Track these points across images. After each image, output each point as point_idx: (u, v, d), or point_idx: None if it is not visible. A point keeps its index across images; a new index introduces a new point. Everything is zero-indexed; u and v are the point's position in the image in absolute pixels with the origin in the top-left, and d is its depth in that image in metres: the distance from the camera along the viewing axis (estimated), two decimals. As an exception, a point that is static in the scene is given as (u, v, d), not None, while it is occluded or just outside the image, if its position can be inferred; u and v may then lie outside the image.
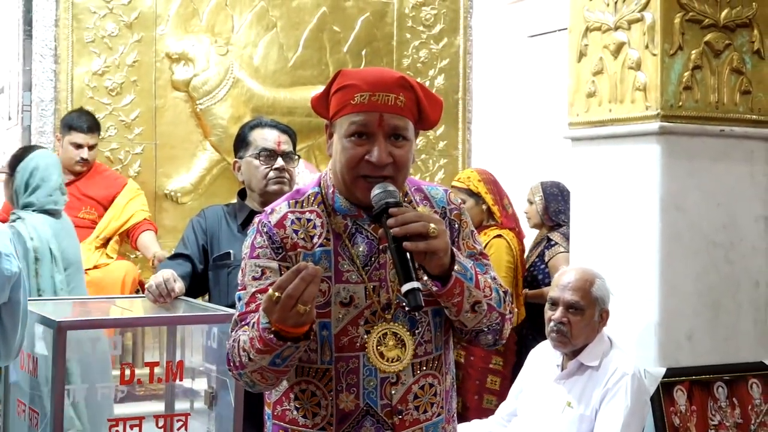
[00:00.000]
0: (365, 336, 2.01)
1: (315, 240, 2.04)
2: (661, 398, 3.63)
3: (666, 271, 3.70)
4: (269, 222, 2.07)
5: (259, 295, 2.01)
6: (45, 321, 2.97)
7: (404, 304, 2.00)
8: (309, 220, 2.06)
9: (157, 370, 3.10)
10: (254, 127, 3.41)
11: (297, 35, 5.89)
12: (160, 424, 3.09)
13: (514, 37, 7.29)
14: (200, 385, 3.24)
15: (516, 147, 7.41)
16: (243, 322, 2.01)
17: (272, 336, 1.87)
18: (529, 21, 7.32)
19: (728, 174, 3.84)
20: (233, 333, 2.03)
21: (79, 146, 4.98)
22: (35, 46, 5.31)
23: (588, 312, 3.38)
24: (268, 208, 2.13)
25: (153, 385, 3.20)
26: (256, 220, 2.11)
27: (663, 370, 3.66)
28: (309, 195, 2.11)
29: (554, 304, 3.42)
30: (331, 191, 2.09)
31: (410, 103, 2.03)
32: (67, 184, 4.96)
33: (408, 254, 1.88)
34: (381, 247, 2.05)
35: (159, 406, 3.28)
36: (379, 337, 2.01)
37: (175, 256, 3.43)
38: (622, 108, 3.82)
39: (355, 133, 2.01)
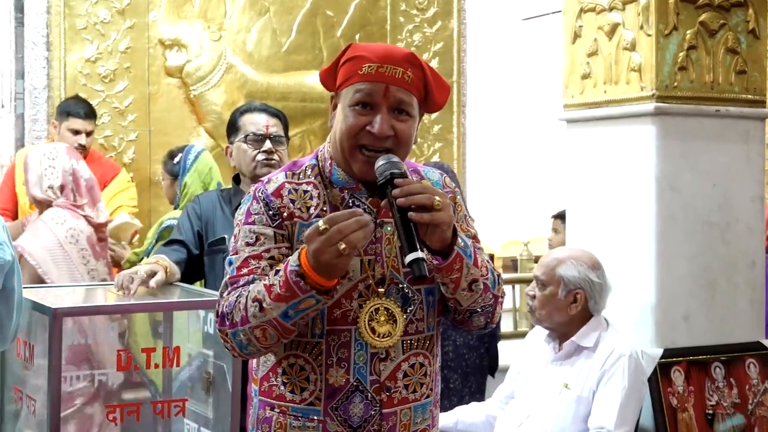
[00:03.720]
0: (358, 310, 2.00)
1: (312, 211, 2.03)
2: (658, 379, 3.63)
3: (662, 252, 3.70)
4: (266, 190, 2.05)
5: (252, 260, 1.99)
6: (40, 308, 2.97)
7: (401, 284, 2.01)
8: (306, 192, 2.05)
9: (153, 355, 3.10)
10: (244, 112, 3.42)
11: (290, 20, 5.87)
12: (158, 410, 3.09)
13: (508, 20, 7.27)
14: (197, 370, 3.24)
15: (511, 130, 7.40)
16: (234, 286, 1.99)
17: (299, 279, 1.84)
18: (523, 3, 7.30)
19: (724, 154, 3.83)
20: (224, 295, 2.00)
21: (77, 132, 4.95)
22: (27, 33, 5.28)
23: (549, 288, 3.39)
24: (264, 178, 2.11)
25: (150, 370, 3.20)
26: (253, 187, 2.10)
27: (660, 351, 3.67)
28: (306, 167, 2.10)
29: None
30: (328, 163, 2.08)
31: (417, 80, 2.03)
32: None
33: (412, 225, 1.87)
34: (378, 221, 2.04)
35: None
36: (371, 312, 2.00)
37: (170, 243, 3.44)
38: (617, 89, 3.81)
39: (360, 102, 2.00)
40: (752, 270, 3.90)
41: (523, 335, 4.15)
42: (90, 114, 5.02)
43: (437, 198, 1.88)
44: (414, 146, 2.18)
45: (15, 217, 4.73)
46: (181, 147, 4.40)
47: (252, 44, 5.77)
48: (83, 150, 5.00)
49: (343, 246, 1.80)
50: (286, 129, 3.44)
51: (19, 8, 5.30)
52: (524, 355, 3.63)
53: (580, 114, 4.01)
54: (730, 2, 3.80)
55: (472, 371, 4.18)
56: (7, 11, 5.39)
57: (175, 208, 4.18)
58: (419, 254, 1.84)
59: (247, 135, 3.33)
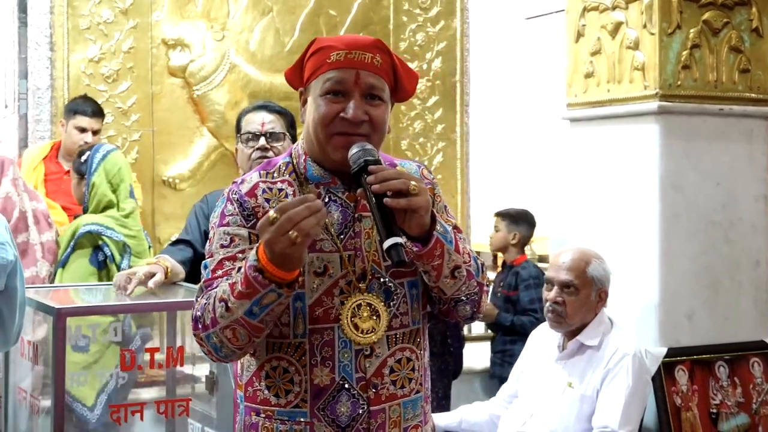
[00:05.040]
0: (340, 307, 1.97)
1: None
2: (662, 378, 3.63)
3: (665, 251, 3.70)
4: (240, 190, 2.02)
5: (227, 262, 1.96)
6: (44, 308, 2.97)
7: (382, 278, 1.98)
8: (281, 190, 2.02)
9: (157, 355, 3.10)
10: (246, 113, 3.41)
11: (293, 20, 5.87)
12: (162, 409, 3.10)
13: (511, 19, 7.28)
14: (201, 370, 3.24)
15: (514, 129, 7.40)
16: (208, 289, 1.96)
17: (258, 274, 1.81)
18: (526, 2, 7.30)
19: (727, 153, 3.83)
20: (198, 299, 1.97)
21: (83, 130, 4.95)
22: (30, 33, 5.28)
23: (583, 292, 3.37)
24: (238, 179, 2.09)
25: (154, 370, 3.20)
26: (227, 189, 2.07)
27: (664, 350, 3.66)
28: (280, 165, 2.07)
29: (549, 283, 3.43)
30: (303, 159, 2.05)
31: (387, 65, 2.01)
32: (68, 171, 4.97)
33: (389, 212, 1.84)
34: (356, 215, 2.01)
35: (160, 392, 3.28)
36: (354, 308, 1.97)
37: (177, 242, 3.44)
38: (620, 88, 3.81)
39: (331, 90, 1.98)
40: (756, 269, 3.90)
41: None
42: (97, 113, 5.01)
43: (413, 183, 1.84)
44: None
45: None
46: (92, 146, 4.32)
47: (255, 44, 5.77)
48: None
49: (294, 234, 1.76)
50: (289, 125, 3.41)
51: (23, 8, 5.30)
52: (528, 353, 3.63)
53: (583, 113, 4.01)
54: (734, 1, 3.80)
55: (438, 377, 4.18)
56: (11, 11, 5.39)
57: (84, 210, 4.04)
58: (397, 239, 1.81)
59: (243, 135, 3.32)
